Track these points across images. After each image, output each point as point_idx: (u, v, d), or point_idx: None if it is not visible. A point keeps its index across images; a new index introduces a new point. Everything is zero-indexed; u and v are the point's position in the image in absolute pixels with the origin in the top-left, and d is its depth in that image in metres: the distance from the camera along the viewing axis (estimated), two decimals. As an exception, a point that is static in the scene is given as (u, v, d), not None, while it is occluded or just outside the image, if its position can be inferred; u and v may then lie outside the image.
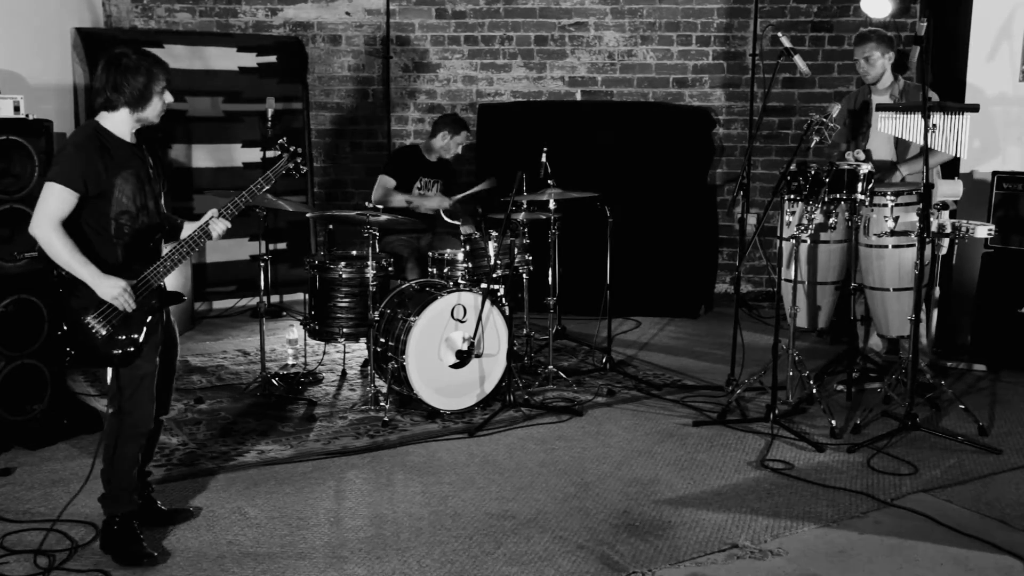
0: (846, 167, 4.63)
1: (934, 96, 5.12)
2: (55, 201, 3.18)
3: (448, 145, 6.01)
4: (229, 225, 3.45)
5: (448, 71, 7.74)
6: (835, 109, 4.80)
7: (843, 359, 5.30)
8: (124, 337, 3.25)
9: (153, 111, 3.32)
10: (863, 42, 5.23)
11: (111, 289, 3.18)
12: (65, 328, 3.24)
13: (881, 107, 5.01)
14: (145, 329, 3.28)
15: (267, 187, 3.58)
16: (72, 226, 3.22)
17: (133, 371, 3.29)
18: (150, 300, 3.30)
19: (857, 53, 5.26)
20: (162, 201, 3.52)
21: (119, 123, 3.31)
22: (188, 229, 3.50)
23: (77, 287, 3.19)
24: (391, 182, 5.87)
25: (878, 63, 5.22)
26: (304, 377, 5.32)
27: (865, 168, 4.67)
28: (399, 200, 5.80)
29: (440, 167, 6.09)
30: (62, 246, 3.16)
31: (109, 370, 3.32)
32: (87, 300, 3.20)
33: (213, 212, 3.44)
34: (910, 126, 4.88)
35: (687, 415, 4.83)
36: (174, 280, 3.93)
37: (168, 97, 3.35)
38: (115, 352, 3.24)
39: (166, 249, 3.41)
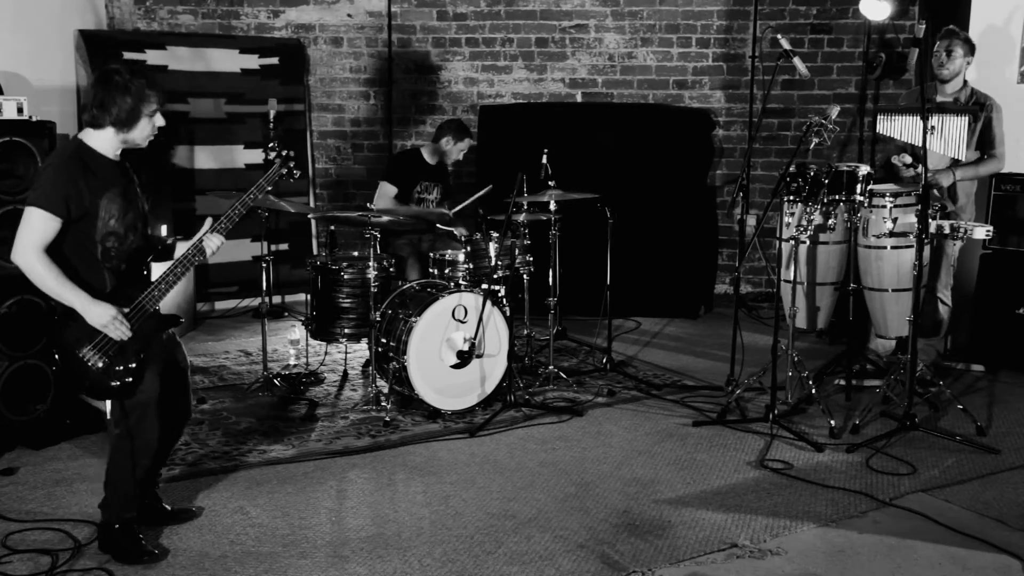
0: (844, 168, 4.65)
1: (993, 101, 5.15)
2: (37, 227, 3.05)
3: (451, 151, 6.03)
4: (223, 241, 3.36)
5: (449, 73, 7.76)
6: (834, 111, 4.82)
7: (842, 359, 5.31)
8: (121, 368, 3.14)
9: (140, 134, 3.22)
10: (949, 36, 5.20)
11: (101, 316, 3.07)
12: (60, 361, 3.14)
13: (881, 109, 5.03)
14: (143, 357, 3.18)
15: (260, 196, 3.50)
16: (55, 252, 3.11)
17: (136, 398, 3.22)
18: (146, 326, 3.20)
19: (940, 45, 5.22)
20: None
21: (104, 141, 3.21)
22: (181, 248, 3.40)
23: (71, 317, 3.09)
24: (392, 190, 5.88)
25: (957, 61, 5.20)
26: (306, 377, 5.34)
27: (864, 170, 4.69)
28: (402, 210, 5.77)
29: (440, 171, 6.11)
30: (47, 273, 3.05)
31: (108, 403, 3.25)
32: (81, 331, 3.10)
33: (207, 227, 3.35)
34: (909, 128, 4.90)
35: (687, 415, 4.85)
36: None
37: (159, 120, 3.24)
38: (113, 384, 3.15)
39: (157, 270, 3.31)
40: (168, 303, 3.44)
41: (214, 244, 3.34)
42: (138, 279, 3.27)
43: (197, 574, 3.22)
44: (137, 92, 3.16)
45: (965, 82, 5.31)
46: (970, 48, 5.25)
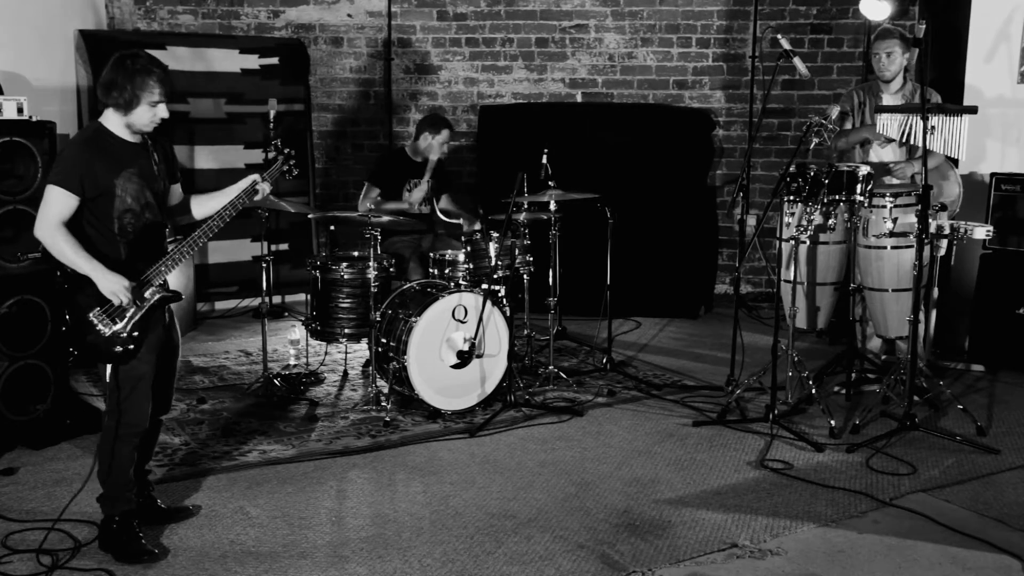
0: (844, 168, 4.65)
1: (937, 97, 5.13)
2: (55, 204, 3.23)
3: (431, 145, 5.94)
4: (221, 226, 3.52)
5: (449, 73, 7.76)
6: (834, 111, 4.81)
7: (842, 359, 5.31)
8: (125, 335, 3.27)
9: (140, 119, 3.31)
10: (886, 37, 5.17)
11: (112, 284, 3.21)
12: (69, 323, 3.27)
13: (881, 108, 5.03)
14: (145, 328, 3.31)
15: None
16: (76, 226, 3.27)
17: (130, 371, 3.31)
18: (151, 298, 3.32)
19: (879, 48, 5.19)
20: (176, 188, 3.58)
21: (115, 123, 3.34)
22: (198, 204, 3.61)
23: (83, 285, 3.23)
24: (374, 191, 5.85)
25: (897, 61, 5.17)
26: (306, 377, 5.34)
27: (864, 170, 4.69)
28: (384, 209, 5.74)
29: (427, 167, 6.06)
30: (65, 244, 3.21)
31: (108, 368, 3.34)
32: (92, 298, 3.23)
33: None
34: (909, 127, 4.89)
35: (687, 415, 4.85)
36: (177, 281, 3.95)
37: (162, 112, 3.33)
38: (116, 350, 3.27)
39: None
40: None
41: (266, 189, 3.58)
42: (150, 252, 3.37)
43: (197, 574, 3.22)
44: (140, 79, 3.26)
45: (906, 79, 5.29)
46: (908, 44, 5.17)
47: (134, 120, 3.31)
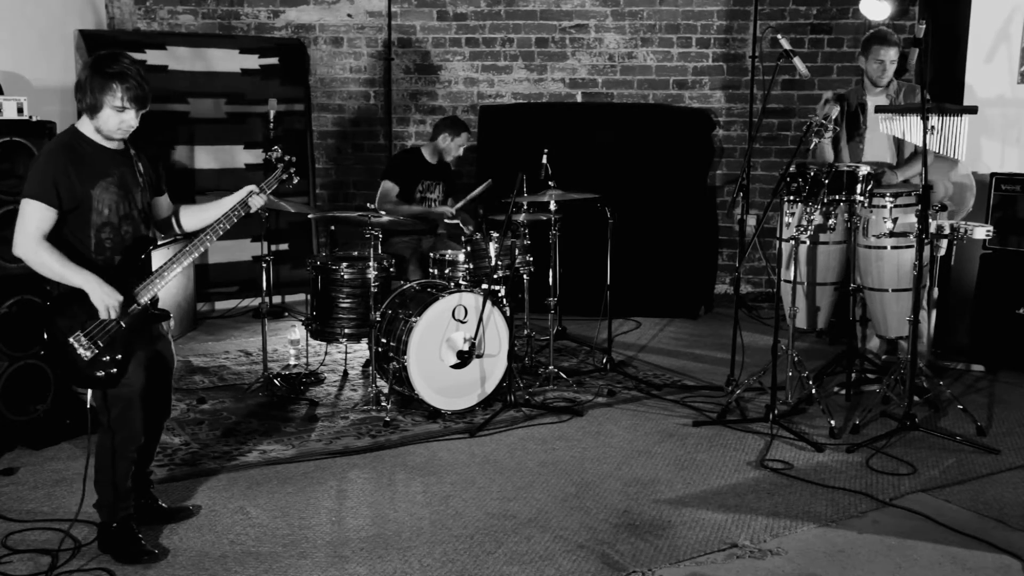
0: (844, 168, 4.65)
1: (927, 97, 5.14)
2: (33, 218, 3.08)
3: (449, 147, 6.04)
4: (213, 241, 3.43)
5: (449, 73, 7.76)
6: (834, 111, 4.81)
7: (842, 359, 5.31)
8: (108, 358, 3.15)
9: (106, 124, 3.16)
10: (889, 44, 5.17)
11: (106, 297, 3.08)
12: (49, 347, 3.14)
13: (880, 109, 5.03)
14: (129, 350, 3.19)
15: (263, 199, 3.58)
16: (54, 241, 3.13)
17: (119, 390, 3.21)
18: (135, 319, 3.21)
19: (881, 54, 5.19)
20: (162, 200, 3.47)
21: (90, 127, 3.21)
22: (188, 215, 3.50)
23: (64, 306, 3.10)
24: (394, 188, 5.88)
25: (892, 66, 5.22)
26: (306, 377, 5.33)
27: (864, 170, 4.69)
28: (404, 210, 5.77)
29: (441, 170, 6.11)
30: (51, 258, 3.07)
31: (89, 391, 3.23)
32: (74, 320, 3.11)
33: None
34: (909, 127, 4.89)
35: (687, 415, 4.85)
36: (177, 281, 3.94)
37: (130, 119, 3.17)
38: (98, 374, 3.15)
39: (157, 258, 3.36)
40: (168, 302, 3.44)
41: (201, 250, 3.38)
42: (134, 269, 3.26)
43: (197, 574, 3.22)
44: (102, 81, 3.11)
45: (892, 77, 5.31)
46: (898, 46, 5.21)
47: (101, 125, 3.17)
